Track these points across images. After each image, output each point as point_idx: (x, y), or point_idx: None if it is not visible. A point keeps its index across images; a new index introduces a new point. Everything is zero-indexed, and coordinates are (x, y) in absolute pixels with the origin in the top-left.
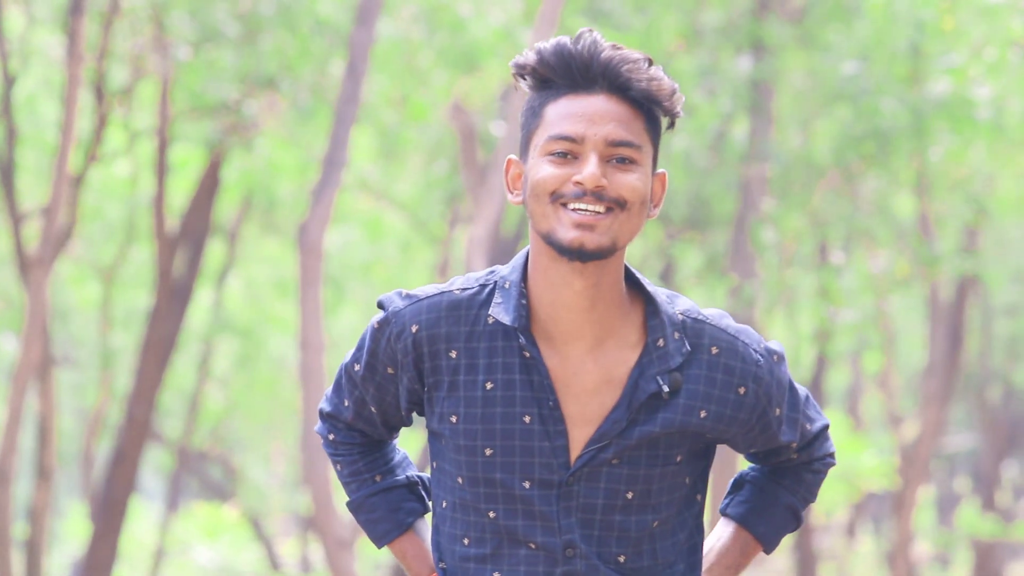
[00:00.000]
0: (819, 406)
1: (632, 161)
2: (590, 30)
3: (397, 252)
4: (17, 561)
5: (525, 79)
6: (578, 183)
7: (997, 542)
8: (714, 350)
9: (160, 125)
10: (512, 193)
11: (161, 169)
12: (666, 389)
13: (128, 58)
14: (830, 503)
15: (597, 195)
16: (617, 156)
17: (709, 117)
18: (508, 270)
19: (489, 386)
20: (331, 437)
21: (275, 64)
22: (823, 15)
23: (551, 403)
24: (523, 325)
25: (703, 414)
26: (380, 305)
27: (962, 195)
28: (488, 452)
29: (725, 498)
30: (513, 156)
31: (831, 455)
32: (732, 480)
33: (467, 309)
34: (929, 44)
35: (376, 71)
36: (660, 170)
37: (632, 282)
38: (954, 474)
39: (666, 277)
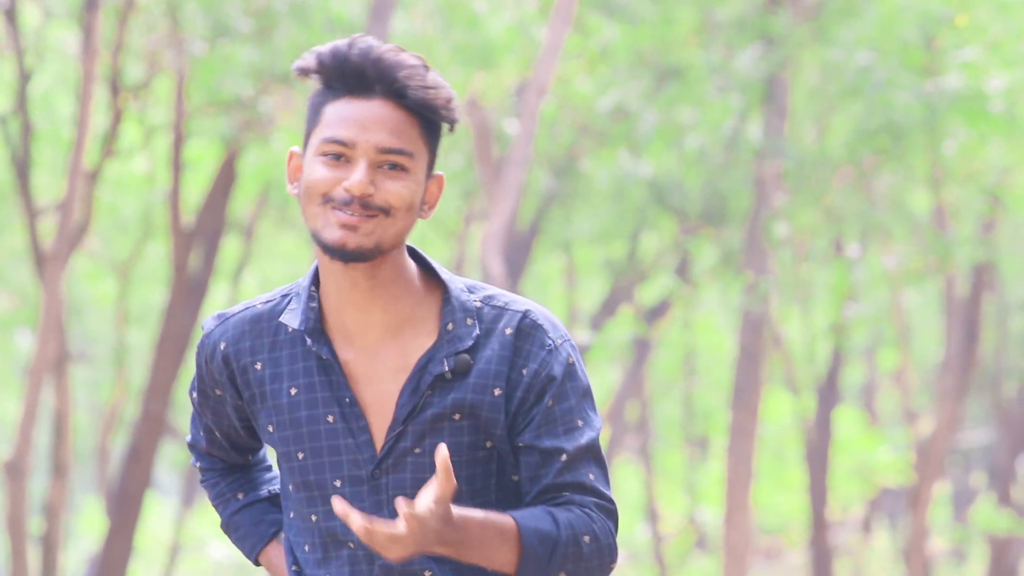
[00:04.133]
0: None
1: (403, 168)
2: (364, 36)
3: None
4: (33, 556)
5: (311, 78)
6: (347, 189)
7: (1013, 537)
8: (508, 331)
9: (176, 121)
10: (291, 185)
11: (177, 165)
12: (448, 368)
13: (143, 54)
14: (846, 498)
15: (364, 203)
16: (388, 163)
17: (723, 113)
18: (304, 278)
19: (293, 392)
20: (198, 466)
21: (290, 60)
22: (837, 10)
23: (348, 400)
24: (310, 327)
25: (496, 392)
26: (203, 328)
27: (977, 189)
28: (300, 456)
29: None
30: (296, 148)
31: (607, 531)
32: None
33: (268, 320)
34: (943, 38)
35: None
36: (437, 172)
37: (431, 273)
38: (970, 470)
39: (681, 273)
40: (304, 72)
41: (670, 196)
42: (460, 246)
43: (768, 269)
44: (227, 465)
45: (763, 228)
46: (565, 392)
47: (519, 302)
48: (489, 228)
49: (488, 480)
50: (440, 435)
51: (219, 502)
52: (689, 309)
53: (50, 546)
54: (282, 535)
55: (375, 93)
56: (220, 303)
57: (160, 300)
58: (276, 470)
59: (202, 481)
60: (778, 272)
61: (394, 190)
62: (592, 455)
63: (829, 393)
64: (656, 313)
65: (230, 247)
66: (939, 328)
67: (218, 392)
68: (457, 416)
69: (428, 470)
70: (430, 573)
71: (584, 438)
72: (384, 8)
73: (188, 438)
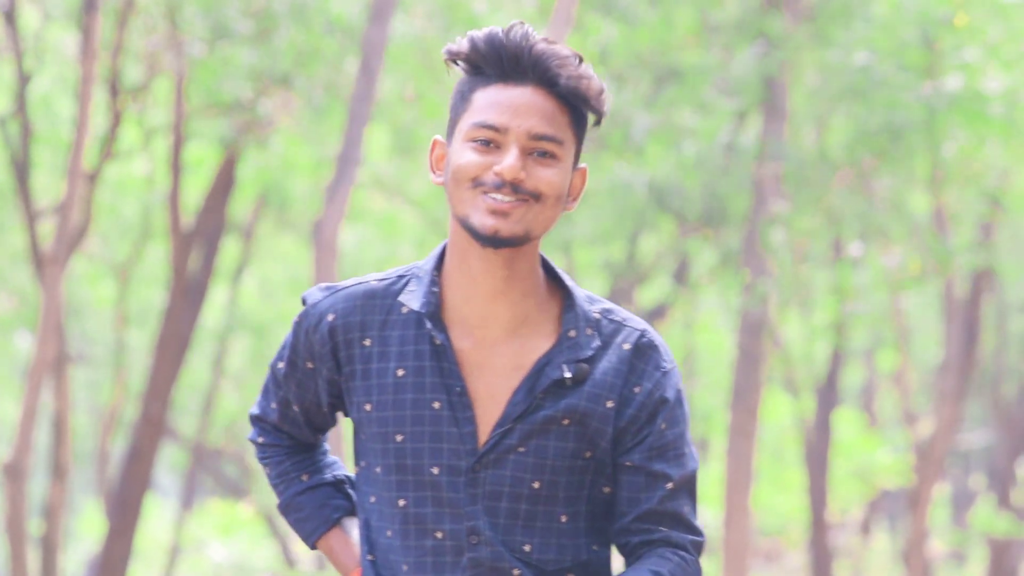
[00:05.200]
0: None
1: (553, 156)
2: (522, 22)
3: (411, 250)
4: (33, 558)
5: (458, 64)
6: (498, 174)
7: (1013, 540)
8: (626, 347)
9: (175, 122)
10: (435, 174)
11: (176, 167)
12: (568, 375)
13: (143, 55)
14: (845, 500)
15: (514, 187)
16: (539, 150)
17: (722, 115)
18: (425, 261)
19: (400, 373)
20: (260, 440)
21: (289, 62)
22: (836, 12)
23: (459, 389)
24: (431, 311)
25: (609, 404)
26: (303, 300)
27: (976, 191)
28: (399, 438)
29: None
30: (439, 137)
31: (698, 531)
32: None
33: (382, 298)
34: (942, 39)
35: (391, 69)
36: (582, 164)
37: (554, 277)
38: (969, 471)
39: (680, 275)
40: (455, 55)
41: (669, 198)
42: None
43: (767, 270)
44: (293, 443)
45: (760, 236)
46: (676, 417)
47: (636, 320)
48: None
49: (582, 491)
50: (547, 437)
51: (280, 481)
52: (688, 310)
53: (50, 548)
54: (345, 522)
55: (528, 80)
56: (219, 304)
57: (159, 301)
58: (335, 456)
59: (261, 457)
60: (777, 273)
61: (545, 176)
62: (690, 487)
63: (828, 394)
64: (655, 314)
65: (229, 249)
66: (939, 329)
67: (311, 365)
68: (566, 421)
69: (529, 470)
70: (519, 571)
71: (688, 468)
72: (384, 9)
73: (254, 410)
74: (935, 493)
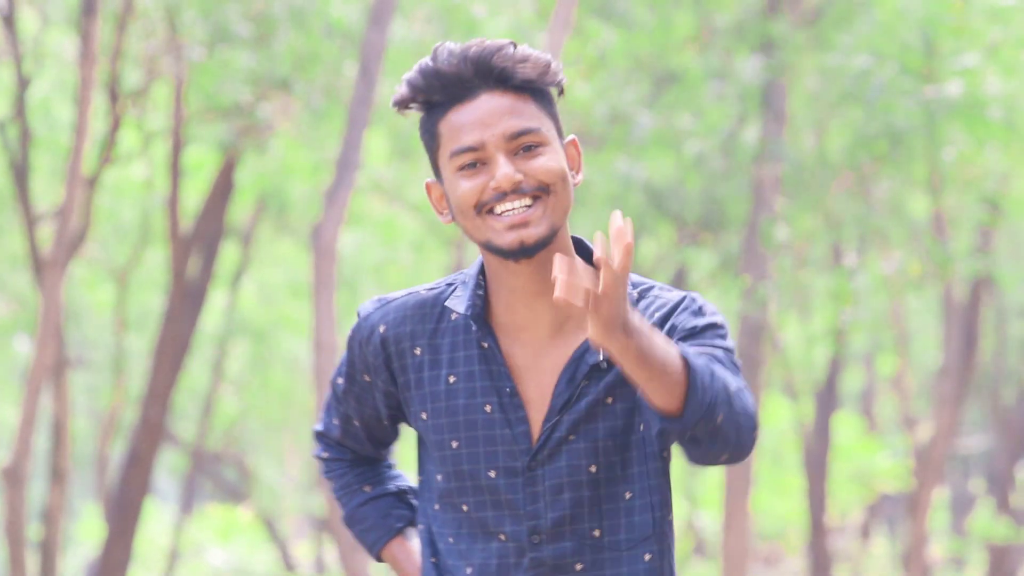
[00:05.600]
0: (753, 398)
1: (537, 144)
2: (443, 43)
3: (411, 254)
4: (32, 562)
5: (411, 108)
6: (496, 188)
7: (1012, 544)
8: (657, 314)
9: (174, 127)
10: (442, 215)
11: (175, 171)
12: (602, 356)
13: (142, 59)
14: (845, 504)
15: (518, 191)
16: (522, 145)
17: (721, 118)
18: (472, 266)
19: (452, 379)
20: (324, 456)
21: (288, 66)
22: (835, 15)
23: (508, 390)
24: (476, 314)
25: None
26: (357, 314)
27: (976, 195)
28: (455, 444)
29: None
30: (430, 180)
31: (748, 412)
32: None
33: (432, 307)
34: (942, 44)
35: (390, 73)
36: (569, 136)
37: (589, 259)
38: (968, 475)
39: (679, 279)
40: (403, 104)
41: (668, 201)
42: (458, 253)
43: (767, 274)
44: (356, 457)
45: (761, 233)
46: (716, 333)
47: (677, 292)
48: None
49: (644, 464)
50: (595, 421)
51: (344, 493)
52: None
53: (49, 552)
54: (408, 531)
55: (477, 89)
56: (219, 309)
57: (159, 306)
58: (400, 470)
59: (326, 472)
60: (777, 277)
61: (541, 165)
62: (727, 359)
63: (828, 399)
64: None
65: (228, 253)
66: (938, 333)
67: (367, 378)
68: (610, 400)
69: (583, 456)
70: (581, 566)
71: (721, 346)
72: (383, 13)
73: (318, 426)
74: (934, 497)
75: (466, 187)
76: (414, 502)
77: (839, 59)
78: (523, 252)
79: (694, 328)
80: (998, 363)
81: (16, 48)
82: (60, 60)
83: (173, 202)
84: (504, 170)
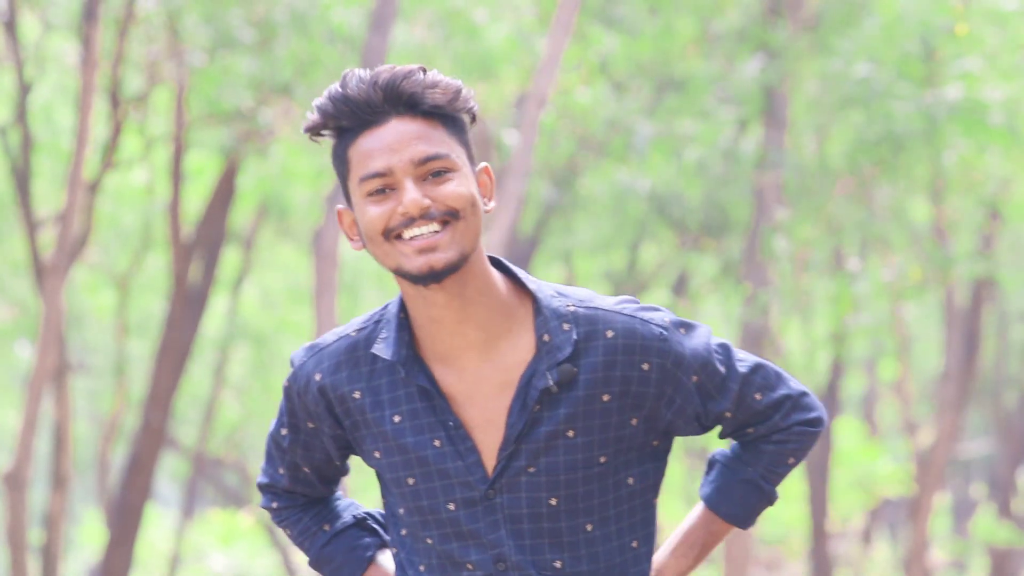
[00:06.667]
0: (800, 388)
1: (447, 170)
2: (353, 70)
3: None
4: (33, 567)
5: (323, 134)
6: (403, 214)
7: (1013, 549)
8: (609, 334)
9: (175, 132)
10: (353, 241)
11: (176, 176)
12: (552, 381)
13: (143, 64)
14: (846, 509)
15: (427, 216)
16: (430, 171)
17: (722, 124)
18: (392, 303)
19: (397, 419)
20: (274, 506)
21: (290, 71)
22: (836, 21)
23: (452, 423)
24: (403, 357)
25: (606, 398)
26: (291, 363)
27: (977, 200)
28: (411, 481)
29: (702, 479)
30: (341, 206)
31: (803, 423)
32: (707, 460)
33: (364, 349)
34: (942, 49)
35: None
36: (481, 164)
37: (520, 283)
38: (970, 480)
39: (680, 285)
40: (314, 130)
41: (670, 207)
42: None
43: (768, 280)
44: (307, 500)
45: (761, 243)
46: (703, 362)
47: (612, 301)
48: (490, 238)
49: (606, 495)
50: (555, 454)
51: (304, 537)
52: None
53: (50, 557)
54: (378, 558)
55: (387, 115)
56: (220, 314)
57: (160, 311)
58: (350, 499)
59: (279, 521)
60: (778, 283)
61: (450, 191)
62: (750, 375)
63: (829, 404)
64: None
65: (230, 258)
66: (939, 339)
67: (311, 425)
68: (571, 433)
69: (543, 489)
70: None
71: (734, 375)
72: (384, 19)
73: (262, 479)
74: (936, 502)
75: (374, 213)
76: (375, 526)
77: (840, 65)
78: (432, 276)
79: (723, 381)
80: (999, 368)
81: (17, 53)
82: (61, 65)
83: (174, 207)
84: (411, 195)
